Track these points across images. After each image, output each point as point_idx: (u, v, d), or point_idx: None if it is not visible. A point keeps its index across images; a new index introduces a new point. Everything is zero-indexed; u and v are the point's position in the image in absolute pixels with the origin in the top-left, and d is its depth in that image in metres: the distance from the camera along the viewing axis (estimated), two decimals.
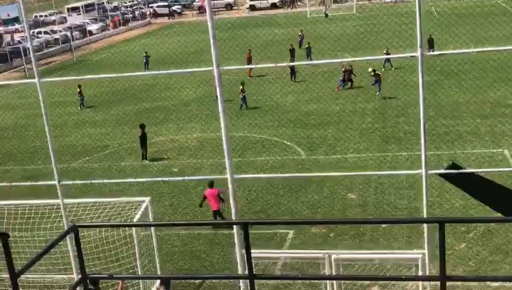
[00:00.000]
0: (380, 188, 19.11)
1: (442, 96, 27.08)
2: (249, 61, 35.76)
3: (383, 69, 32.75)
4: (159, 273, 13.86)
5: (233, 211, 11.16)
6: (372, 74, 30.01)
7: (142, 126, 23.79)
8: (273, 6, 76.27)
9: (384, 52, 32.01)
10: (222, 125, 10.63)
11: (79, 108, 33.26)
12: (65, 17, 79.17)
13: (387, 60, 33.28)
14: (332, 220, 7.88)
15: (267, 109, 29.39)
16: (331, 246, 14.92)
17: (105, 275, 7.39)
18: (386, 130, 24.85)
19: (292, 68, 34.06)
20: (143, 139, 23.70)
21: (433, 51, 33.41)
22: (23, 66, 48.10)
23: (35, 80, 11.19)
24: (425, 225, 10.20)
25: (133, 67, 36.51)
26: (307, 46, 39.13)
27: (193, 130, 27.37)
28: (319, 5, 68.35)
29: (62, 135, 27.82)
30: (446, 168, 10.77)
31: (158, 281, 12.27)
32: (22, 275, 5.41)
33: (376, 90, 29.66)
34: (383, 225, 16.19)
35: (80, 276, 6.48)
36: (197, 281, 14.25)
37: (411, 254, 10.83)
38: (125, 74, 12.09)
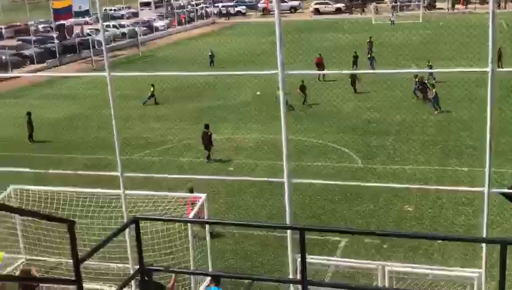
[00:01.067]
0: (438, 202, 18.71)
1: (508, 112, 26.22)
2: (319, 66, 35.44)
3: (433, 81, 31.90)
4: (210, 270, 14.05)
5: (287, 215, 11.19)
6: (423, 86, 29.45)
7: (207, 126, 23.95)
8: (338, 10, 75.83)
9: (428, 64, 31.27)
10: (283, 128, 10.66)
11: (141, 104, 33.95)
12: (136, 12, 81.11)
13: (431, 73, 32.41)
14: (389, 232, 7.71)
15: (327, 114, 29.27)
16: (384, 257, 14.75)
17: (161, 268, 7.55)
18: (448, 143, 24.29)
19: (354, 78, 33.36)
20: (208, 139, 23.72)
21: (501, 64, 32.48)
22: (90, 58, 49.67)
23: (106, 74, 11.55)
24: (483, 244, 9.93)
25: (196, 65, 37.11)
26: (369, 56, 38.38)
27: (251, 131, 27.56)
28: (390, 8, 67.27)
29: (125, 127, 28.46)
30: (510, 188, 10.45)
31: (209, 278, 12.43)
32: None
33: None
34: (439, 241, 15.85)
35: (137, 267, 6.67)
36: (247, 281, 14.36)
37: (467, 272, 10.58)
38: (191, 73, 12.32)
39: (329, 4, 76.99)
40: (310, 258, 10.35)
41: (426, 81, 30.64)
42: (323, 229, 7.84)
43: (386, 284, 10.25)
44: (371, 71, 35.04)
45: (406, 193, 19.19)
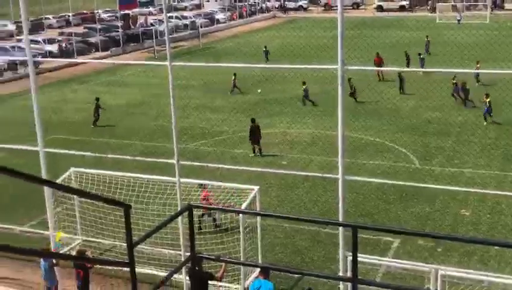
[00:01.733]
0: (496, 208, 18.12)
1: None
2: (378, 65, 34.92)
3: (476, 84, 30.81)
4: (259, 262, 14.10)
5: (340, 211, 11.10)
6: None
7: (253, 120, 23.94)
8: (401, 8, 74.39)
9: (478, 66, 30.14)
10: (339, 124, 10.56)
11: (229, 93, 34.35)
12: (198, 4, 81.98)
13: (477, 75, 31.21)
14: (444, 235, 7.50)
15: (386, 112, 28.79)
16: (437, 260, 14.42)
17: (213, 257, 7.63)
18: (510, 148, 23.45)
19: (401, 77, 32.56)
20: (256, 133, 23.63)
21: None
22: (153, 48, 50.60)
23: (167, 63, 11.73)
24: None
25: (254, 58, 37.22)
26: (420, 56, 37.33)
27: (306, 126, 27.43)
28: (452, 10, 65.57)
29: (182, 116, 28.87)
30: None
31: (258, 270, 12.48)
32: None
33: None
34: (496, 247, 15.34)
35: (188, 254, 6.76)
36: (296, 275, 14.33)
37: None
38: (250, 65, 12.37)
39: (393, 1, 75.61)
40: (361, 257, 10.22)
41: (467, 87, 29.71)
42: (376, 227, 7.74)
43: (439, 288, 10.02)
44: (420, 69, 34.25)
45: (464, 197, 18.68)
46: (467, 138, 24.76)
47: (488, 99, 26.62)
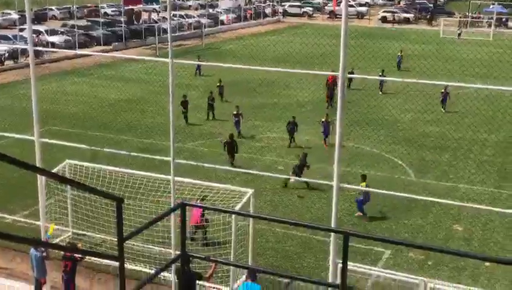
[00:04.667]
0: (489, 225, 18.13)
1: None
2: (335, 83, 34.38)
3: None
4: (249, 264, 14.05)
5: (333, 218, 11.07)
6: None
7: (231, 136, 23.28)
8: (406, 20, 74.54)
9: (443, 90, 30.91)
10: (337, 131, 10.55)
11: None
12: (203, 4, 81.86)
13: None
14: (435, 247, 7.43)
15: (383, 123, 28.81)
16: (427, 274, 14.40)
17: (203, 256, 7.59)
18: (506, 166, 23.48)
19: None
20: (230, 146, 22.92)
21: None
22: (155, 45, 50.57)
23: (169, 60, 11.71)
24: None
25: (256, 61, 37.15)
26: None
27: (304, 133, 27.40)
28: (458, 25, 65.51)
29: (180, 115, 28.91)
30: None
31: (246, 272, 12.43)
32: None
33: None
34: (487, 264, 15.34)
35: (179, 252, 6.73)
36: (285, 280, 14.29)
37: None
38: (252, 67, 12.38)
39: (397, 13, 75.76)
40: (352, 266, 10.20)
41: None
42: (368, 236, 7.71)
43: None
44: (406, 80, 34.34)
45: (457, 212, 18.69)
46: (463, 153, 24.79)
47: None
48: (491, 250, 16.52)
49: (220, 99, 32.38)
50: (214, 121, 29.32)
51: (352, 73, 29.75)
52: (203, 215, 15.70)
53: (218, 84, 33.20)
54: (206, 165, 15.58)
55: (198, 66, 38.71)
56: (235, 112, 27.28)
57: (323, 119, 25.60)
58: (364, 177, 18.35)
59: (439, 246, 15.15)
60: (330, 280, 10.46)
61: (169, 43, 11.77)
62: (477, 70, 33.15)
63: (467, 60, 34.65)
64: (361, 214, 18.52)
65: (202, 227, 15.84)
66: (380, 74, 33.33)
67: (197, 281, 11.19)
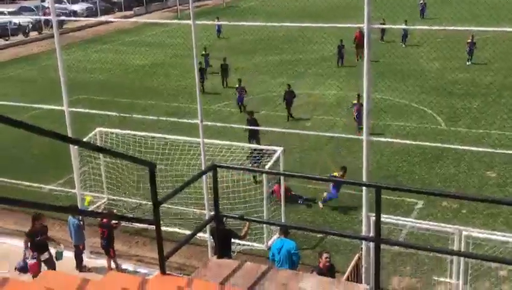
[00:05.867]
0: None
1: None
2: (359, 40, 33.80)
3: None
4: (282, 221, 14.19)
5: (364, 172, 11.05)
6: None
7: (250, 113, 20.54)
8: None
9: (469, 40, 29.39)
10: (365, 84, 10.41)
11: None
12: None
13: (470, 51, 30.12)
14: (468, 195, 7.43)
15: (411, 73, 28.34)
16: (461, 222, 14.34)
17: (236, 215, 7.68)
18: None
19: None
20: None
21: None
22: (176, 7, 50.26)
23: (190, 22, 11.63)
24: None
25: (277, 17, 36.71)
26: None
27: (331, 87, 27.18)
28: None
29: (205, 77, 28.88)
30: None
31: (279, 230, 12.58)
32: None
33: None
34: None
35: (213, 213, 6.82)
36: (318, 235, 14.42)
37: None
38: (274, 24, 12.23)
39: None
40: (384, 218, 10.21)
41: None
42: (399, 188, 7.70)
43: (462, 249, 9.99)
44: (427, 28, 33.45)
45: (490, 159, 18.45)
46: (493, 99, 24.32)
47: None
48: None
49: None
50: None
51: (383, 24, 29.33)
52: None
53: (203, 52, 29.85)
54: (234, 125, 15.59)
55: (219, 27, 38.17)
56: (237, 86, 24.61)
57: (354, 102, 21.14)
58: (344, 169, 15.84)
59: (472, 195, 15.09)
60: (363, 233, 10.51)
61: (190, 5, 11.66)
62: (506, 13, 32.19)
63: (494, 3, 33.65)
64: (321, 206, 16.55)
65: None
66: (381, 22, 30.64)
67: (233, 239, 11.37)
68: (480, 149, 16.84)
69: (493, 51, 29.11)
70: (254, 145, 17.22)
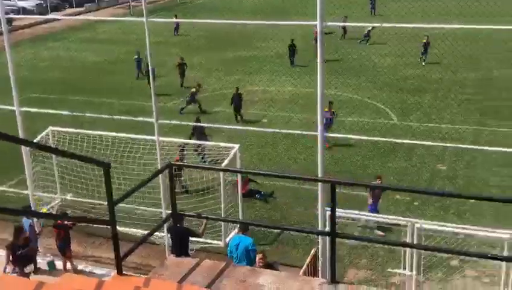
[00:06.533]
0: (472, 162, 18.46)
1: None
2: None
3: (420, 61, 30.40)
4: (240, 218, 14.24)
5: (319, 168, 11.19)
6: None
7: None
8: None
9: (424, 40, 29.80)
10: (319, 81, 10.53)
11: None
12: None
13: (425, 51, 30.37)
14: (419, 189, 7.69)
15: (364, 70, 28.81)
16: (414, 214, 14.70)
17: (193, 214, 7.69)
18: (486, 103, 23.75)
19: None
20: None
21: None
22: (128, 3, 49.60)
23: (143, 19, 11.52)
24: None
25: (231, 13, 36.71)
26: None
27: (286, 83, 27.37)
28: None
29: (160, 74, 28.61)
30: None
31: (237, 227, 12.63)
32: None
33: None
34: (471, 201, 15.69)
35: (169, 211, 6.82)
36: (276, 231, 14.55)
37: (498, 233, 10.47)
38: (228, 21, 12.25)
39: None
40: (339, 212, 10.38)
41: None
42: (353, 183, 7.84)
43: (415, 242, 10.26)
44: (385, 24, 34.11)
45: (441, 152, 18.96)
46: (443, 94, 24.99)
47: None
48: (475, 187, 16.86)
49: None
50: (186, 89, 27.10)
51: (346, 20, 29.74)
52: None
53: (135, 56, 29.23)
54: (190, 123, 15.52)
55: (177, 24, 37.73)
56: (194, 90, 24.10)
57: (325, 109, 18.54)
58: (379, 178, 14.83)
59: (423, 188, 15.48)
60: (320, 228, 10.67)
61: (143, 2, 11.56)
62: (453, 9, 33.04)
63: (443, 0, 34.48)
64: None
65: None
66: (344, 20, 31.85)
67: (190, 238, 11.34)
68: (431, 143, 17.31)
69: (442, 48, 29.84)
70: (211, 143, 17.21)
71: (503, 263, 10.22)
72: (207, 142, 17.29)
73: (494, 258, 7.52)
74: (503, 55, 28.62)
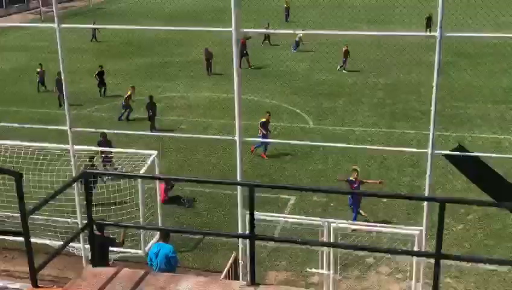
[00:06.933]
0: (384, 163, 19.25)
1: (455, 78, 26.94)
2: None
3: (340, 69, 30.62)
4: (160, 225, 14.10)
5: (238, 172, 11.31)
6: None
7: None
8: None
9: (344, 48, 30.07)
10: (235, 86, 10.67)
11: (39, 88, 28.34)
12: None
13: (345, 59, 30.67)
14: (336, 190, 8.02)
15: (280, 75, 29.33)
16: (330, 215, 15.15)
17: (111, 222, 7.58)
18: (396, 106, 24.86)
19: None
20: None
21: (429, 31, 33.00)
22: (39, 9, 47.95)
23: (55, 25, 11.22)
24: (425, 203, 10.34)
25: (147, 19, 36.29)
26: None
27: (203, 89, 27.41)
28: None
29: (74, 81, 27.77)
30: (452, 150, 10.82)
31: (158, 234, 12.51)
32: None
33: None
34: (384, 200, 16.38)
35: (86, 221, 6.68)
36: (196, 236, 14.54)
37: (409, 229, 11.00)
38: (143, 27, 12.15)
39: None
40: (259, 215, 10.54)
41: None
42: (271, 185, 8.02)
43: (332, 240, 10.58)
44: (300, 31, 35.12)
45: (354, 154, 19.63)
46: (356, 98, 25.90)
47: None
48: (387, 186, 17.57)
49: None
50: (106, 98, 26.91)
51: (267, 28, 30.18)
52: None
53: (37, 70, 28.17)
54: (106, 131, 15.22)
55: (94, 31, 36.80)
56: (129, 93, 23.83)
57: (263, 120, 19.85)
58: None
59: (340, 189, 15.97)
60: (240, 231, 10.78)
61: (54, 7, 11.25)
62: (364, 16, 34.38)
63: (355, 6, 35.78)
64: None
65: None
66: (266, 27, 32.35)
67: (110, 247, 11.15)
68: (345, 145, 17.90)
69: (355, 53, 30.92)
70: (128, 150, 16.91)
71: (414, 258, 10.72)
72: (115, 149, 16.96)
73: (406, 252, 7.89)
74: (408, 59, 30.04)
